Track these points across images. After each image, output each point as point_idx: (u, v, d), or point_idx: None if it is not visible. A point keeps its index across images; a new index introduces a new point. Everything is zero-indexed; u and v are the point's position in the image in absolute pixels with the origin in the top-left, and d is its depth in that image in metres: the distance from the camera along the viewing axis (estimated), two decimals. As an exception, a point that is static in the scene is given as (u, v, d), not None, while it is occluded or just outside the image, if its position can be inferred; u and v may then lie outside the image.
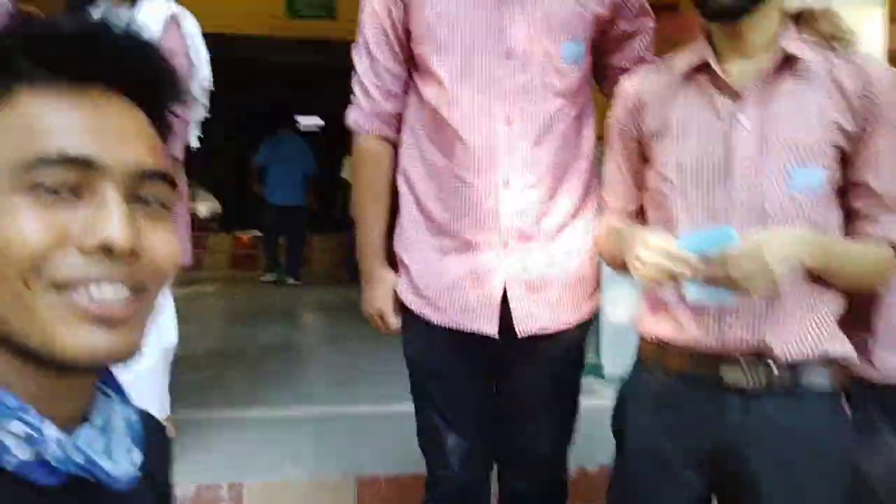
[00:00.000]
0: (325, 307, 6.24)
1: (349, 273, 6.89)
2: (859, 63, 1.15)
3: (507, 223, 1.40)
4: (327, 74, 5.53)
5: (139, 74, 0.59)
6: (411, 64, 1.47)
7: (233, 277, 7.92)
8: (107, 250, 0.52)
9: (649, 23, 1.51)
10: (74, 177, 0.53)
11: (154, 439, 0.67)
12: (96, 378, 0.61)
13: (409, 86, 1.49)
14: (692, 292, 1.09)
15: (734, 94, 1.16)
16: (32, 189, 0.51)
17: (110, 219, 0.53)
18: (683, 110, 1.21)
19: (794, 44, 1.16)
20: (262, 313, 5.64)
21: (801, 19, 1.20)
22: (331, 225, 8.29)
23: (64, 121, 0.53)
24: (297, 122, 9.33)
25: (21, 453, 0.52)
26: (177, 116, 0.64)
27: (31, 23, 0.56)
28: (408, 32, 1.44)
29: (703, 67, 1.19)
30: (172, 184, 0.60)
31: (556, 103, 1.40)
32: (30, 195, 0.51)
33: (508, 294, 1.40)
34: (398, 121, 1.52)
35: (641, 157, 1.30)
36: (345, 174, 7.56)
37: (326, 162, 7.91)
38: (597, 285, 1.52)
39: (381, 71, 1.46)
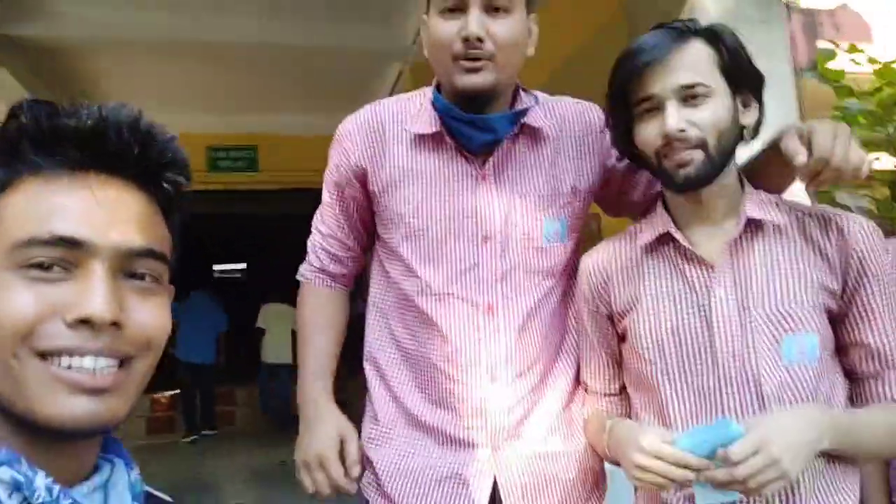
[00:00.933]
0: (255, 474, 5.69)
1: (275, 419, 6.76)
2: (831, 215, 1.12)
3: (496, 422, 1.25)
4: (249, 223, 5.39)
5: (138, 165, 0.64)
6: (373, 235, 1.39)
7: (150, 446, 7.28)
8: (88, 323, 0.57)
9: None
10: (65, 255, 0.58)
11: None
12: (93, 445, 0.64)
13: (368, 249, 1.42)
14: (701, 497, 0.99)
15: (706, 265, 1.12)
16: (26, 266, 0.57)
17: (93, 294, 0.58)
18: (653, 282, 1.16)
19: (758, 207, 1.13)
20: (180, 488, 5.08)
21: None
22: (254, 377, 8.09)
23: (59, 205, 0.59)
24: (213, 273, 9.36)
25: (8, 500, 0.54)
26: (182, 195, 0.69)
27: (39, 115, 0.61)
28: (369, 211, 1.36)
29: (667, 238, 1.15)
30: (164, 260, 0.65)
31: (542, 286, 1.30)
32: (23, 272, 0.57)
33: (503, 502, 1.23)
34: (350, 278, 1.45)
35: (616, 335, 1.23)
36: (260, 323, 7.79)
37: (249, 310, 7.77)
38: (601, 478, 1.36)
39: (330, 238, 1.40)
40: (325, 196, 1.38)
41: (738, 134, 1.14)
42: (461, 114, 1.23)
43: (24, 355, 0.56)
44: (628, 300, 1.18)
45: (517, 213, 1.27)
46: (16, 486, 0.55)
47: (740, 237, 1.11)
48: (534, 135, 1.29)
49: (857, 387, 1.13)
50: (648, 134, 1.12)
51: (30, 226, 0.58)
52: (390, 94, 5.87)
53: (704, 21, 1.16)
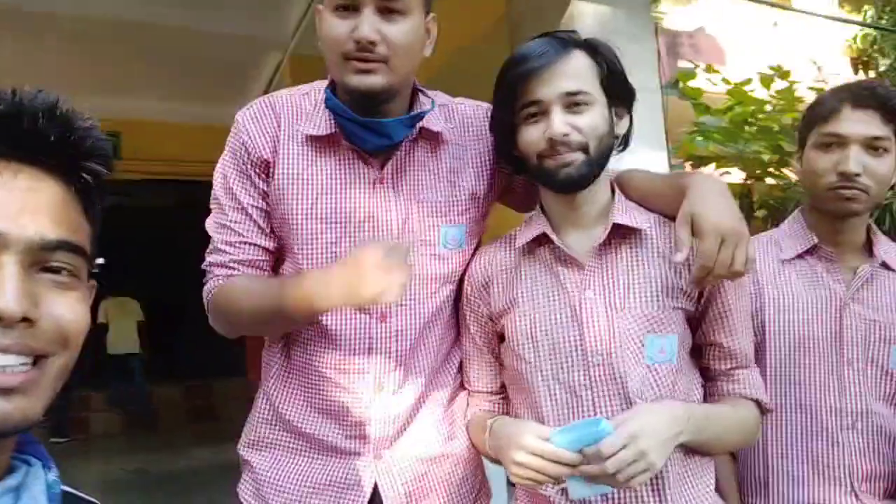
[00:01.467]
0: (111, 485, 5.34)
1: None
2: None
3: (379, 431, 1.23)
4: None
5: (55, 153, 0.61)
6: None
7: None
8: None
9: None
10: None
11: None
12: (4, 446, 0.61)
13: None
14: (574, 490, 1.04)
15: (577, 265, 1.17)
16: None
17: (1, 288, 0.55)
18: (529, 284, 1.20)
19: (625, 213, 1.18)
20: None
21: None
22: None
23: None
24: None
25: None
26: (100, 185, 0.65)
27: None
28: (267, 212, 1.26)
29: (543, 240, 1.20)
30: (83, 253, 0.63)
31: (439, 294, 1.27)
32: None
33: None
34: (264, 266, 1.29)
35: (497, 335, 1.25)
36: (102, 318, 7.49)
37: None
38: (486, 479, 1.37)
39: (244, 245, 1.25)
40: (228, 202, 1.24)
41: (612, 143, 1.20)
42: (354, 116, 1.19)
43: None
44: (507, 301, 1.21)
45: (414, 218, 1.24)
46: None
47: (608, 241, 1.17)
48: (432, 139, 1.27)
49: (711, 384, 1.21)
50: (532, 137, 1.15)
51: None
52: (268, 86, 5.66)
53: (583, 33, 1.21)
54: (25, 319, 0.56)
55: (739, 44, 7.39)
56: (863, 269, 1.40)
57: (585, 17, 2.60)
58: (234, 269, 1.23)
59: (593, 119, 1.14)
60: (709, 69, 5.07)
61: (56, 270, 0.61)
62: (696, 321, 1.19)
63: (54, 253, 0.60)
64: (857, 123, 1.39)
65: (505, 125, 1.19)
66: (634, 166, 1.32)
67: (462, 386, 1.34)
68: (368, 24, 1.11)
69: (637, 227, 1.17)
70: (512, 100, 1.16)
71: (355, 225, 1.21)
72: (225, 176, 1.25)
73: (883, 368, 1.35)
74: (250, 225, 1.23)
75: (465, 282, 1.28)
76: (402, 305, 1.22)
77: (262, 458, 1.26)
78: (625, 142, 1.24)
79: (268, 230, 1.25)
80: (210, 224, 1.27)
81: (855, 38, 7.26)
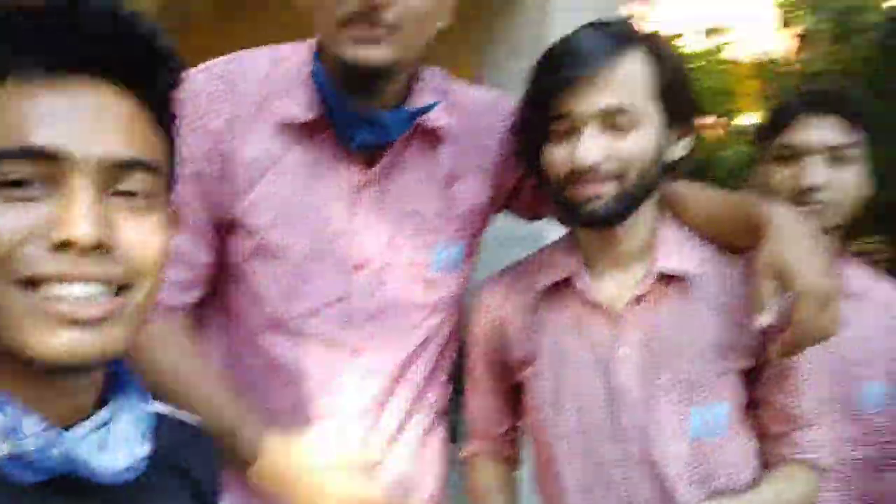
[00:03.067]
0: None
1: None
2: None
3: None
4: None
5: (122, 62, 0.56)
6: (219, 251, 1.04)
7: None
8: (72, 245, 0.51)
9: None
10: (43, 170, 0.52)
11: (192, 439, 0.70)
12: (92, 380, 0.59)
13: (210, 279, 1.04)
14: None
15: (611, 318, 0.98)
16: (0, 185, 0.51)
17: (75, 213, 0.52)
18: (552, 335, 1.01)
19: (675, 253, 0.98)
20: None
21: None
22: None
23: (33, 113, 0.53)
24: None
25: (3, 446, 0.51)
26: (173, 96, 0.61)
27: (5, 12, 0.54)
28: (220, 219, 0.99)
29: (569, 281, 1.00)
30: (159, 173, 0.58)
31: (426, 325, 1.06)
32: None
33: None
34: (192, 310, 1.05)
35: (512, 384, 1.09)
36: None
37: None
38: None
39: (178, 266, 0.96)
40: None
41: (659, 172, 0.97)
42: (348, 105, 0.95)
43: (7, 284, 0.51)
44: (526, 352, 1.04)
45: (404, 234, 1.02)
46: (5, 435, 0.52)
47: (651, 290, 0.98)
48: (431, 136, 1.03)
49: (765, 446, 1.04)
50: (556, 158, 0.94)
51: (1, 139, 0.52)
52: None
53: None
54: (100, 246, 0.52)
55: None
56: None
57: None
58: (161, 300, 0.98)
59: (639, 143, 0.92)
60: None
61: (132, 194, 0.56)
62: (753, 376, 1.01)
63: (129, 173, 0.56)
64: (815, 131, 1.26)
65: (532, 133, 0.98)
66: None
67: (438, 421, 1.15)
68: None
69: (688, 273, 0.97)
70: (542, 106, 0.95)
71: (330, 240, 0.99)
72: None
73: None
74: (199, 230, 0.99)
75: (478, 318, 1.09)
76: (379, 339, 1.01)
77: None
78: (673, 169, 1.00)
79: (204, 239, 1.00)
80: None
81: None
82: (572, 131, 0.93)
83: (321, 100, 0.96)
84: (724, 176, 4.75)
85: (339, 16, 0.88)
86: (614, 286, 0.99)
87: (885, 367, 1.27)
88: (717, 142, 4.98)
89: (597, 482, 0.97)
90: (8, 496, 0.52)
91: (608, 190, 0.92)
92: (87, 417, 0.57)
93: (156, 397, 0.68)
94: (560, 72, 0.91)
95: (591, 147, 0.90)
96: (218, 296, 1.04)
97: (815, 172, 1.23)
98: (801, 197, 1.24)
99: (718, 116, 5.11)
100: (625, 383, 0.97)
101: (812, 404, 1.02)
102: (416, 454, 1.09)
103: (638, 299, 0.97)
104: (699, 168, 4.98)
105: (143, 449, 0.59)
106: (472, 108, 1.08)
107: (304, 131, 0.98)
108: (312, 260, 0.98)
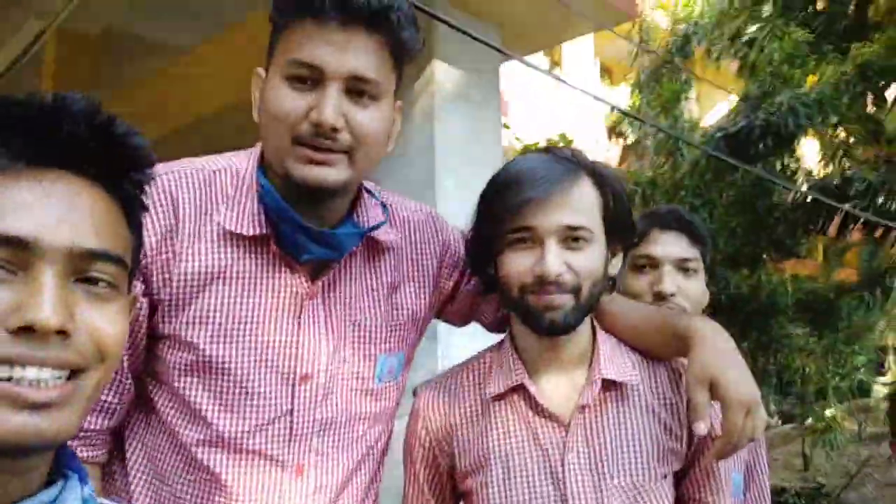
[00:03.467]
0: None
1: None
2: (682, 371, 1.09)
3: None
4: None
5: (96, 161, 0.60)
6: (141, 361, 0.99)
7: None
8: (32, 330, 0.53)
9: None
10: (10, 256, 0.55)
11: None
12: (40, 461, 0.60)
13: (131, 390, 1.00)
14: None
15: (558, 424, 1.04)
16: None
17: (38, 298, 0.54)
18: (501, 440, 1.05)
19: (612, 363, 1.07)
20: None
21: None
22: None
23: (6, 201, 0.55)
24: None
25: None
26: (143, 194, 0.65)
27: None
28: (150, 331, 0.97)
29: (519, 388, 1.06)
30: (123, 265, 0.61)
31: (368, 436, 1.08)
32: None
33: None
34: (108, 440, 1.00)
35: (452, 492, 1.09)
36: None
37: None
38: None
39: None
40: None
41: (604, 286, 1.08)
42: (300, 221, 0.96)
43: None
44: (474, 460, 1.06)
45: (347, 346, 1.04)
46: None
47: (595, 398, 1.05)
48: (374, 249, 1.09)
49: None
50: (518, 266, 1.02)
51: None
52: (21, 56, 4.80)
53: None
54: (61, 332, 0.55)
55: (521, 101, 8.01)
56: None
57: (441, 77, 2.58)
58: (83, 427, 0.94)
59: (590, 259, 1.03)
60: (505, 126, 5.39)
61: (94, 281, 0.59)
62: (681, 477, 1.12)
63: (93, 263, 0.59)
64: (667, 245, 1.47)
65: (485, 242, 1.05)
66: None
67: None
68: (333, 106, 0.90)
69: (627, 382, 1.06)
70: (500, 220, 1.03)
71: (276, 352, 0.99)
72: None
73: None
74: (127, 350, 0.95)
75: (418, 424, 1.11)
76: (322, 455, 1.02)
77: None
78: (613, 284, 1.13)
79: (140, 356, 0.98)
80: None
81: (612, 109, 8.31)
82: (531, 242, 1.02)
83: (266, 213, 0.98)
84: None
85: (293, 137, 0.92)
86: (560, 393, 1.06)
87: (744, 457, 1.47)
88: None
89: None
90: None
91: (566, 302, 1.01)
92: (33, 496, 0.59)
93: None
94: (525, 192, 0.99)
95: (556, 258, 1.00)
96: (142, 408, 1.00)
97: (668, 280, 1.43)
98: (658, 301, 1.43)
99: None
100: (576, 489, 1.01)
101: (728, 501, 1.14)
102: None
103: (582, 407, 1.04)
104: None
105: None
106: (410, 222, 1.16)
107: (249, 244, 0.99)
108: (257, 373, 0.97)
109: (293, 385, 1.00)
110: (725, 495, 1.14)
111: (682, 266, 1.47)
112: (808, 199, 4.75)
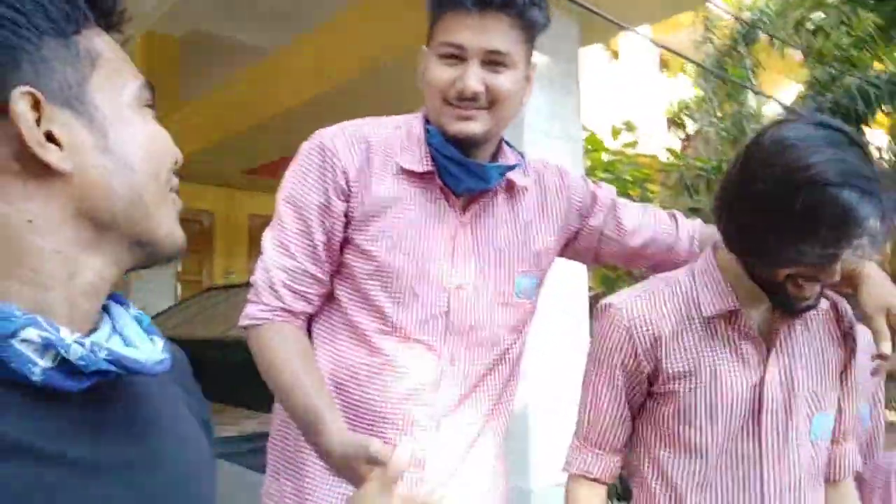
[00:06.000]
0: None
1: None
2: (836, 302, 1.24)
3: (432, 473, 1.22)
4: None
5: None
6: (335, 271, 1.24)
7: None
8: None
9: (609, 195, 1.43)
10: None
11: (179, 356, 0.71)
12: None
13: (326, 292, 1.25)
14: None
15: (762, 345, 1.18)
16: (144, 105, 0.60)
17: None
18: (711, 355, 1.18)
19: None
20: None
21: None
22: None
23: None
24: None
25: (42, 360, 0.50)
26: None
27: None
28: (343, 240, 1.21)
29: (729, 314, 1.18)
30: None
31: (505, 342, 1.29)
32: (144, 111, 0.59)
33: None
34: (307, 320, 1.25)
35: (646, 392, 1.23)
36: None
37: None
38: None
39: (299, 273, 1.21)
40: (294, 222, 1.21)
41: None
42: (460, 157, 1.19)
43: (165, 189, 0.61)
44: (684, 367, 1.18)
45: (491, 265, 1.26)
46: (45, 345, 0.50)
47: (789, 320, 1.17)
48: (512, 191, 1.30)
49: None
50: (801, 292, 1.12)
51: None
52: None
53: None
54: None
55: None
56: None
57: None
58: (282, 300, 1.19)
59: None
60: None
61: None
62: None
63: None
64: None
65: (781, 266, 1.11)
66: None
67: (506, 431, 1.35)
68: (475, 77, 1.13)
69: (819, 308, 1.19)
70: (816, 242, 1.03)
71: (436, 265, 1.21)
72: (298, 197, 1.21)
73: None
74: (311, 252, 1.20)
75: (620, 332, 1.21)
76: (469, 350, 1.23)
77: (303, 472, 1.22)
78: None
79: (326, 260, 1.22)
80: (268, 240, 1.22)
81: (671, 103, 8.40)
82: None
83: (432, 157, 1.22)
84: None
85: (444, 99, 1.16)
86: (760, 319, 1.19)
87: (870, 388, 1.60)
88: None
89: (743, 477, 1.16)
90: (55, 407, 0.52)
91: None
92: (96, 327, 0.58)
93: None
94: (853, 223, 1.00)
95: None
96: (328, 306, 1.25)
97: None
98: None
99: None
100: (771, 397, 1.16)
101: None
102: (500, 445, 1.32)
103: (778, 331, 1.18)
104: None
105: (158, 341, 0.59)
106: (541, 172, 1.36)
107: (418, 180, 1.22)
108: (420, 281, 1.20)
109: (450, 292, 1.22)
110: (858, 407, 1.31)
111: None
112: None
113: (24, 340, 0.49)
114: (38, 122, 0.51)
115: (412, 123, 1.27)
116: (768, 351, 1.19)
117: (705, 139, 6.47)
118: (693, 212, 5.94)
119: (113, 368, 0.53)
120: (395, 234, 1.20)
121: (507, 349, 1.29)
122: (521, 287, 1.29)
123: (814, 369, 1.20)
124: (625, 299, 1.26)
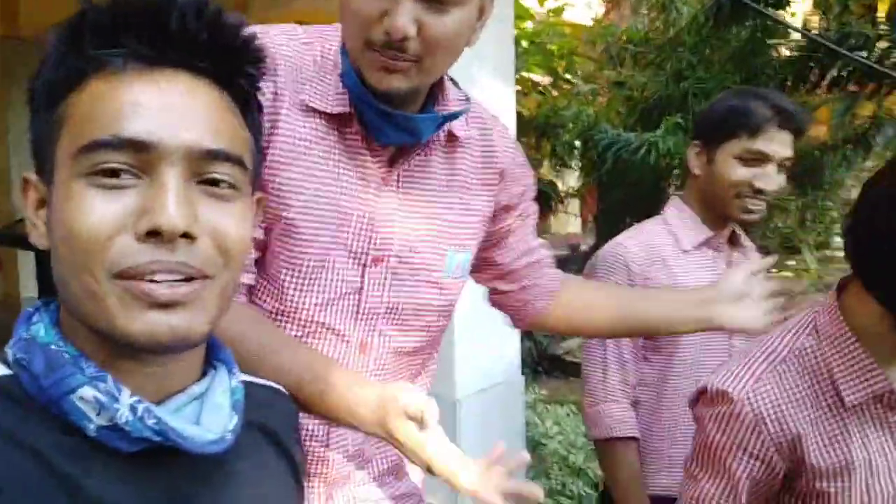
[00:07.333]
0: None
1: None
2: None
3: (336, 471, 1.05)
4: None
5: (208, 56, 0.58)
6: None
7: None
8: (159, 235, 0.53)
9: (533, 206, 1.24)
10: (132, 159, 0.54)
11: (277, 404, 0.76)
12: (185, 358, 0.61)
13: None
14: None
15: None
16: (92, 174, 0.54)
17: (162, 201, 0.54)
18: (862, 443, 1.01)
19: None
20: None
21: None
22: None
23: (123, 104, 0.55)
24: None
25: (97, 418, 0.54)
26: (256, 91, 0.63)
27: (97, 7, 0.56)
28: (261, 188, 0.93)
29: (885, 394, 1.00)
30: (242, 165, 0.60)
31: (429, 327, 1.08)
32: (89, 180, 0.54)
33: None
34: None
35: (778, 486, 1.06)
36: None
37: None
38: None
39: None
40: None
41: None
42: (378, 104, 0.93)
43: (101, 276, 0.54)
44: (835, 465, 1.01)
45: (419, 235, 1.03)
46: (99, 406, 0.54)
47: None
48: (452, 142, 1.05)
49: None
50: None
51: (93, 129, 0.54)
52: None
53: None
54: (186, 236, 0.54)
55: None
56: (735, 256, 1.62)
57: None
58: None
59: None
60: None
61: (215, 183, 0.57)
62: None
63: (213, 164, 0.57)
64: (781, 145, 1.50)
65: None
66: (483, 102, 1.16)
67: None
68: (406, 14, 0.84)
69: None
70: None
71: (351, 231, 0.99)
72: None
73: None
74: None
75: (746, 432, 1.02)
76: (385, 336, 1.03)
77: None
78: None
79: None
80: None
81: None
82: None
83: (349, 94, 0.96)
84: (567, 131, 5.12)
85: (365, 39, 0.89)
86: None
87: None
88: (560, 100, 5.36)
89: None
90: (105, 463, 0.55)
91: None
92: (182, 391, 0.61)
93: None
94: None
95: None
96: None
97: (773, 179, 1.50)
98: (752, 194, 1.51)
99: (560, 76, 5.47)
100: None
101: None
102: None
103: None
104: (546, 124, 5.35)
105: (233, 422, 0.61)
106: (489, 124, 1.12)
107: (333, 122, 0.98)
108: (333, 249, 0.98)
109: (364, 265, 1.00)
110: None
111: (784, 164, 1.51)
112: (799, 55, 4.64)
113: (81, 398, 0.54)
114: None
115: (328, 42, 0.99)
116: None
117: (635, 6, 6.16)
118: (617, 85, 5.74)
119: (157, 439, 0.55)
120: (303, 189, 0.96)
121: (428, 337, 1.09)
122: (454, 264, 1.07)
123: None
124: (745, 387, 1.02)
